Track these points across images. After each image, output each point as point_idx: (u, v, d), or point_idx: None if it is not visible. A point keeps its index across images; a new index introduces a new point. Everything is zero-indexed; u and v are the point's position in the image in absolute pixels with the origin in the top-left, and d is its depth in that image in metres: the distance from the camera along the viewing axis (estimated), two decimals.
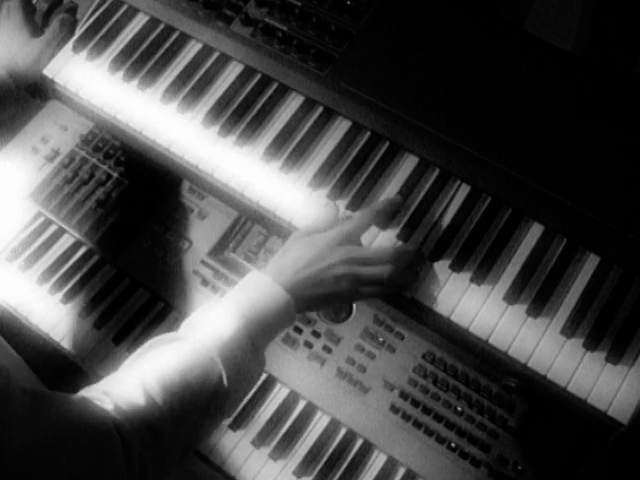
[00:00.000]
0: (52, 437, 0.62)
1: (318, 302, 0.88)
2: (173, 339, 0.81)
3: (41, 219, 1.24)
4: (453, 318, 0.89)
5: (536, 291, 0.88)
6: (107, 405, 0.72)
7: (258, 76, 1.05)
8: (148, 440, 0.72)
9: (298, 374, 1.09)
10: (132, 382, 0.75)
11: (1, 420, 0.58)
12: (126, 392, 0.74)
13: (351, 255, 0.88)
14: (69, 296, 1.18)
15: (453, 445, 1.03)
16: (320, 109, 1.02)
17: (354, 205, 0.95)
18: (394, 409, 1.06)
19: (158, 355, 0.79)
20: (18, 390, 0.62)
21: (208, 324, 0.81)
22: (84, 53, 1.09)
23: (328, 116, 1.01)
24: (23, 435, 0.59)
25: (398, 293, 0.90)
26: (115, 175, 1.26)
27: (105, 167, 1.26)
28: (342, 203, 0.96)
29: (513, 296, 0.88)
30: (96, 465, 0.66)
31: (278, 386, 1.10)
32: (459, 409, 1.05)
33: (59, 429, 0.63)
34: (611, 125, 0.96)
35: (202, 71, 1.06)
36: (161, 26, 1.10)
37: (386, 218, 0.93)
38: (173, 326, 1.15)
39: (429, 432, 1.04)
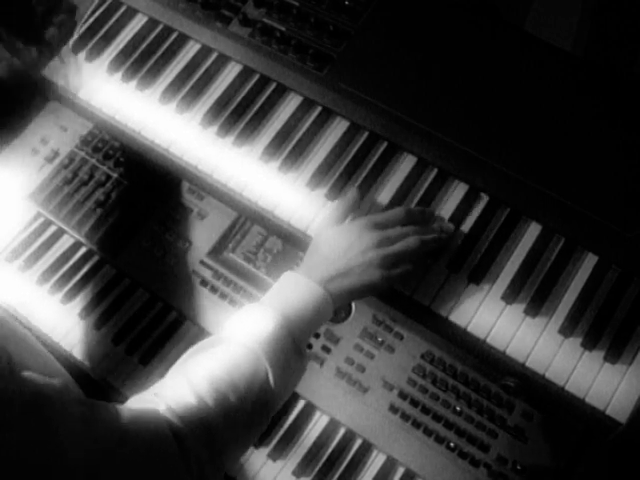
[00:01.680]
0: (108, 447, 0.63)
1: (354, 292, 0.88)
2: (216, 342, 0.82)
3: (41, 219, 1.24)
4: (452, 318, 0.89)
5: (534, 290, 0.89)
6: (159, 406, 0.73)
7: (256, 76, 1.05)
8: (203, 440, 0.73)
9: None
10: (181, 385, 0.77)
11: (60, 433, 0.58)
12: (176, 394, 0.75)
13: (379, 238, 0.88)
14: (69, 296, 1.18)
15: (452, 445, 1.03)
16: (318, 109, 1.02)
17: None
18: (393, 409, 1.06)
19: (204, 358, 0.81)
20: (75, 403, 0.63)
21: (249, 325, 0.82)
22: (83, 54, 1.09)
23: (326, 116, 1.01)
24: (81, 447, 0.59)
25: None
26: (115, 176, 1.26)
27: (105, 168, 1.26)
28: None
29: (511, 295, 0.88)
30: (154, 469, 0.68)
31: None
32: (458, 409, 1.05)
33: (115, 438, 0.64)
34: (610, 125, 0.96)
35: (201, 71, 1.06)
36: (160, 27, 1.10)
37: (416, 221, 0.93)
38: (172, 326, 1.15)
39: (428, 432, 1.04)
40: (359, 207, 0.95)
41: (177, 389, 0.76)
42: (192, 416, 0.73)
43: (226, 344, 0.81)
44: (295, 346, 0.82)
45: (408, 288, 0.91)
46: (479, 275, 0.90)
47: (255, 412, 0.80)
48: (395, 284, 0.91)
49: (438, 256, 0.92)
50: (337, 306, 0.87)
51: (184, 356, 0.83)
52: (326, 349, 1.11)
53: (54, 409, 0.59)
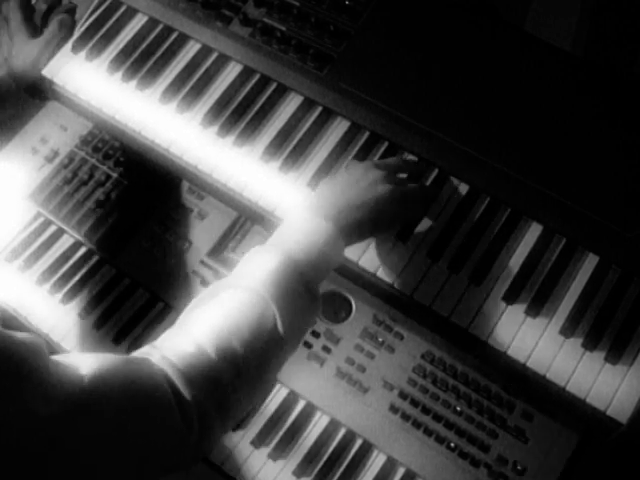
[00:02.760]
0: (86, 399, 0.60)
1: (365, 226, 0.85)
2: (217, 289, 0.78)
3: (41, 219, 1.24)
4: (452, 318, 0.89)
5: (535, 291, 0.88)
6: (153, 357, 0.70)
7: (257, 76, 1.05)
8: (206, 389, 0.69)
9: (297, 374, 1.09)
10: (182, 335, 0.73)
11: (28, 388, 0.56)
12: (176, 345, 0.71)
13: (385, 173, 0.87)
14: (69, 296, 1.18)
15: (452, 445, 1.03)
16: (319, 109, 1.02)
17: None
18: (393, 409, 1.06)
19: (205, 307, 0.76)
20: (47, 357, 0.60)
21: (254, 268, 0.78)
22: (83, 53, 1.09)
23: (327, 116, 1.01)
24: (53, 402, 0.57)
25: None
26: (114, 175, 1.26)
27: (104, 167, 1.26)
28: None
29: (512, 296, 0.88)
30: (142, 416, 0.64)
31: (277, 386, 1.09)
32: (458, 409, 1.05)
33: (94, 389, 0.61)
34: (610, 125, 0.96)
35: (201, 71, 1.06)
36: (160, 26, 1.10)
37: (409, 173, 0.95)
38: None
39: (428, 432, 1.04)
40: None
41: (177, 339, 0.73)
42: (192, 367, 0.69)
43: (229, 290, 0.77)
44: (305, 285, 0.77)
45: (408, 288, 0.91)
46: (480, 275, 0.90)
47: (265, 360, 0.75)
48: (405, 220, 0.91)
49: (439, 256, 0.92)
50: (350, 243, 0.84)
51: (188, 307, 0.79)
52: (326, 349, 1.11)
53: (21, 360, 0.57)
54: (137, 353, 0.73)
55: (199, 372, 0.70)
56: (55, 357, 0.62)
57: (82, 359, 0.64)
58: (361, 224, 0.84)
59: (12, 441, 0.54)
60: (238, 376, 0.72)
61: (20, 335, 0.59)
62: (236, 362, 0.72)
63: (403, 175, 0.94)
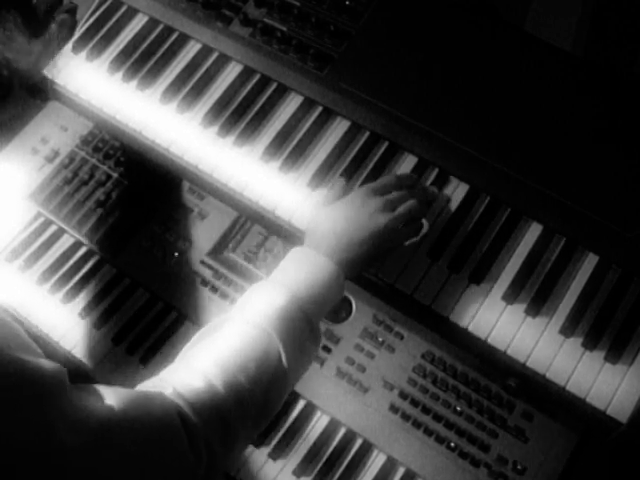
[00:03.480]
0: (105, 431, 0.61)
1: (366, 261, 0.87)
2: (224, 323, 0.79)
3: (41, 219, 1.24)
4: (452, 318, 0.89)
5: (535, 291, 0.89)
6: (166, 390, 0.71)
7: (257, 76, 1.05)
8: (214, 424, 0.71)
9: None
10: (189, 369, 0.74)
11: (52, 415, 0.57)
12: (184, 378, 0.73)
13: (382, 202, 0.88)
14: (69, 296, 1.18)
15: (452, 445, 1.03)
16: (319, 109, 1.02)
17: None
18: (393, 409, 1.06)
19: (212, 340, 0.78)
20: (68, 386, 0.61)
21: (258, 303, 0.80)
22: (84, 54, 1.09)
23: (327, 116, 1.01)
24: (76, 431, 0.58)
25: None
26: (115, 175, 1.26)
27: (105, 167, 1.26)
28: None
29: (512, 295, 0.88)
30: (157, 454, 0.66)
31: None
32: (458, 409, 1.05)
33: (112, 422, 0.62)
34: (610, 125, 0.96)
35: (201, 71, 1.06)
36: (160, 26, 1.10)
37: (405, 186, 0.94)
38: (173, 326, 1.15)
39: (428, 432, 1.04)
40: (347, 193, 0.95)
41: (185, 373, 0.74)
42: (201, 400, 0.71)
43: (234, 325, 0.78)
44: (308, 323, 0.79)
45: (408, 288, 0.91)
46: (480, 275, 0.90)
47: (269, 393, 0.77)
48: (404, 242, 0.91)
49: (439, 256, 0.92)
50: (352, 277, 0.85)
51: (192, 340, 0.80)
52: (326, 349, 1.11)
53: (46, 390, 0.58)
54: (149, 386, 0.74)
55: (208, 407, 0.71)
56: (76, 387, 0.63)
57: (103, 391, 0.66)
58: (362, 260, 0.86)
59: (40, 469, 0.55)
60: (244, 411, 0.74)
61: (43, 363, 0.60)
62: (242, 397, 0.74)
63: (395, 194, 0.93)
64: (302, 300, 0.79)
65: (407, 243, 0.91)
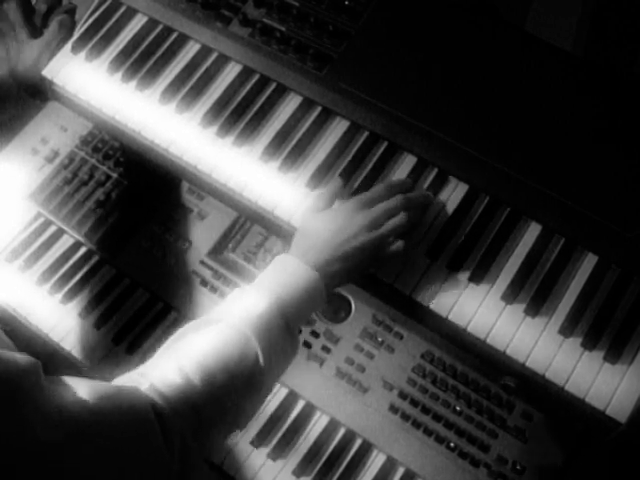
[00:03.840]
0: (80, 425, 0.61)
1: (346, 275, 0.88)
2: (206, 323, 0.81)
3: (41, 220, 1.24)
4: (451, 318, 0.89)
5: (534, 290, 0.88)
6: (143, 385, 0.72)
7: (256, 76, 1.05)
8: (189, 420, 0.72)
9: (297, 374, 1.09)
10: (169, 365, 0.76)
11: (27, 410, 0.57)
12: (163, 374, 0.75)
13: (368, 219, 0.88)
14: (69, 296, 1.19)
15: (452, 445, 1.03)
16: (318, 109, 1.02)
17: None
18: (393, 409, 1.06)
19: (193, 338, 0.80)
20: (42, 379, 0.61)
21: (240, 306, 0.82)
22: (83, 54, 1.09)
23: (326, 116, 1.01)
24: (50, 424, 0.58)
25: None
26: (114, 176, 1.26)
27: (104, 168, 1.26)
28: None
29: (511, 295, 0.88)
30: (133, 446, 0.66)
31: (277, 386, 1.10)
32: (458, 409, 1.05)
33: (85, 414, 0.63)
34: (610, 125, 0.96)
35: (201, 71, 1.06)
36: (160, 27, 1.10)
37: (399, 193, 0.93)
38: (173, 326, 1.15)
39: (428, 432, 1.04)
40: (342, 196, 0.95)
41: (164, 369, 0.76)
42: (177, 396, 0.73)
43: (216, 325, 0.80)
44: (287, 328, 0.82)
45: (408, 288, 0.91)
46: (479, 275, 0.90)
47: (244, 394, 0.79)
48: (387, 262, 0.91)
49: (438, 256, 0.92)
50: (330, 290, 0.87)
51: (173, 336, 0.82)
52: (326, 349, 1.11)
53: (20, 383, 0.58)
54: (126, 379, 0.75)
55: (184, 402, 0.73)
56: (50, 379, 0.63)
57: (77, 384, 0.66)
58: (343, 273, 0.87)
59: (15, 465, 0.55)
60: (219, 408, 0.76)
61: (17, 356, 0.60)
62: (219, 395, 0.76)
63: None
64: (283, 306, 0.81)
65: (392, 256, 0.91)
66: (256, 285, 0.85)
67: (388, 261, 0.90)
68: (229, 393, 0.77)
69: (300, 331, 1.11)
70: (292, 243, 0.90)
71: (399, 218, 0.89)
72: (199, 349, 0.78)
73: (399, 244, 0.89)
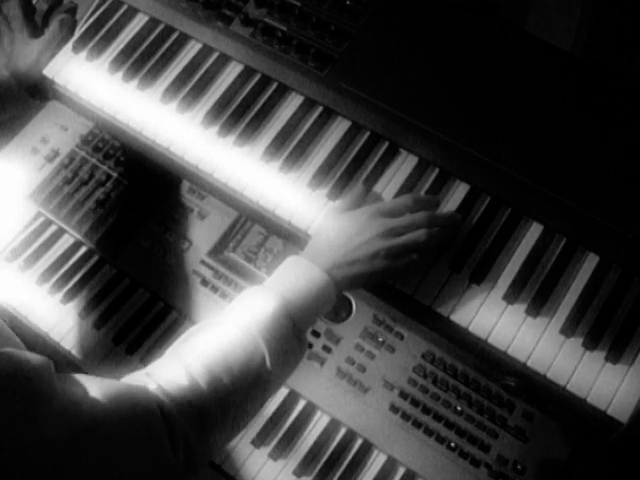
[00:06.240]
0: (90, 422, 0.62)
1: (357, 281, 0.87)
2: (214, 324, 0.81)
3: (41, 219, 1.24)
4: (453, 318, 0.89)
5: (535, 290, 0.89)
6: (150, 385, 0.73)
7: (258, 76, 1.05)
8: (194, 421, 0.72)
9: (298, 374, 1.08)
10: (175, 366, 0.76)
11: (39, 408, 0.58)
12: (169, 375, 0.75)
13: (386, 227, 0.87)
14: (69, 296, 1.18)
15: (453, 445, 1.03)
16: (319, 109, 1.02)
17: None
18: (394, 409, 1.06)
19: (200, 339, 0.80)
20: (54, 378, 0.62)
21: (249, 307, 0.81)
22: (84, 53, 1.09)
23: (327, 116, 1.01)
24: (61, 422, 0.59)
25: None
26: (115, 175, 1.26)
27: (105, 167, 1.26)
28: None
29: (512, 296, 0.88)
30: (142, 445, 0.67)
31: None
32: (459, 409, 1.05)
33: (98, 413, 0.63)
34: (610, 125, 0.96)
35: (202, 71, 1.06)
36: (161, 26, 1.10)
37: (423, 208, 0.92)
38: (173, 326, 1.15)
39: (429, 432, 1.04)
40: (364, 203, 0.95)
41: (170, 369, 0.76)
42: (183, 397, 0.73)
43: (224, 326, 0.80)
44: (295, 330, 0.81)
45: (409, 288, 0.91)
46: (480, 275, 0.90)
47: (249, 396, 0.79)
48: (399, 274, 0.90)
49: (440, 256, 0.92)
50: (339, 293, 0.86)
51: (181, 337, 0.82)
52: (327, 349, 1.11)
53: (32, 382, 0.59)
54: (134, 379, 0.75)
55: (190, 404, 0.73)
56: (61, 377, 0.64)
57: (88, 383, 0.66)
58: (356, 278, 0.86)
59: (27, 462, 0.56)
60: (223, 411, 0.76)
61: (29, 355, 0.61)
62: (224, 397, 0.76)
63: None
64: (292, 308, 0.81)
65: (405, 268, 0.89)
66: (265, 286, 0.84)
67: (401, 273, 0.89)
68: (234, 394, 0.77)
69: (311, 346, 1.11)
70: (308, 243, 0.90)
71: (417, 234, 0.87)
72: (206, 350, 0.77)
73: (413, 256, 0.87)
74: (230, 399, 0.76)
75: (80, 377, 0.67)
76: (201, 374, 0.75)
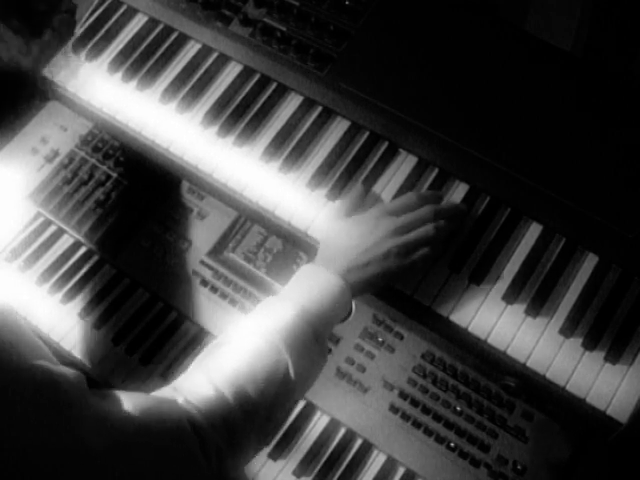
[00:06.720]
0: (126, 436, 0.63)
1: (372, 282, 0.87)
2: (235, 336, 0.82)
3: (41, 219, 1.24)
4: (452, 318, 0.89)
5: (535, 291, 0.89)
6: (179, 399, 0.73)
7: (257, 76, 1.05)
8: (222, 432, 0.73)
9: None
10: (201, 379, 0.77)
11: (77, 420, 0.58)
12: (196, 388, 0.75)
13: (395, 226, 0.88)
14: (69, 296, 1.18)
15: (452, 445, 1.03)
16: (319, 109, 1.02)
17: None
18: (393, 409, 1.06)
19: (223, 352, 0.80)
20: (89, 392, 0.63)
21: (269, 317, 0.82)
22: (83, 53, 1.09)
23: (327, 116, 1.01)
24: (99, 436, 0.59)
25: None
26: (114, 175, 1.26)
27: (104, 167, 1.26)
28: None
29: (512, 296, 0.88)
30: (173, 459, 0.67)
31: None
32: (458, 409, 1.05)
33: (131, 428, 0.64)
34: (610, 125, 0.96)
35: (201, 71, 1.06)
36: (160, 26, 1.10)
37: (427, 203, 0.92)
38: (172, 326, 1.15)
39: (428, 432, 1.04)
40: (364, 203, 0.95)
41: (196, 383, 0.76)
42: (211, 409, 0.73)
43: (245, 337, 0.81)
44: (315, 337, 0.81)
45: (409, 288, 0.91)
46: (480, 275, 0.90)
47: (275, 405, 0.79)
48: (415, 271, 0.90)
49: (439, 256, 0.92)
50: (355, 297, 0.87)
51: (205, 350, 0.82)
52: None
53: (69, 396, 0.59)
54: (163, 394, 0.76)
55: (218, 416, 0.73)
56: (95, 392, 0.65)
57: (121, 397, 0.67)
58: (365, 281, 0.87)
59: (62, 471, 0.56)
60: (249, 422, 0.76)
61: (63, 369, 0.62)
62: (249, 408, 0.76)
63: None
64: (311, 316, 0.81)
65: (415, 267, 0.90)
66: (282, 296, 0.85)
67: (413, 269, 0.89)
68: (260, 405, 0.77)
69: None
70: (317, 253, 0.90)
71: (425, 228, 0.88)
72: (230, 362, 0.78)
73: (425, 250, 0.88)
74: (256, 410, 0.77)
75: (113, 392, 0.67)
76: (226, 386, 0.75)
